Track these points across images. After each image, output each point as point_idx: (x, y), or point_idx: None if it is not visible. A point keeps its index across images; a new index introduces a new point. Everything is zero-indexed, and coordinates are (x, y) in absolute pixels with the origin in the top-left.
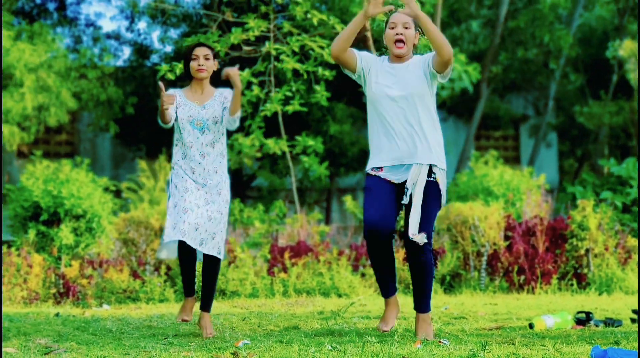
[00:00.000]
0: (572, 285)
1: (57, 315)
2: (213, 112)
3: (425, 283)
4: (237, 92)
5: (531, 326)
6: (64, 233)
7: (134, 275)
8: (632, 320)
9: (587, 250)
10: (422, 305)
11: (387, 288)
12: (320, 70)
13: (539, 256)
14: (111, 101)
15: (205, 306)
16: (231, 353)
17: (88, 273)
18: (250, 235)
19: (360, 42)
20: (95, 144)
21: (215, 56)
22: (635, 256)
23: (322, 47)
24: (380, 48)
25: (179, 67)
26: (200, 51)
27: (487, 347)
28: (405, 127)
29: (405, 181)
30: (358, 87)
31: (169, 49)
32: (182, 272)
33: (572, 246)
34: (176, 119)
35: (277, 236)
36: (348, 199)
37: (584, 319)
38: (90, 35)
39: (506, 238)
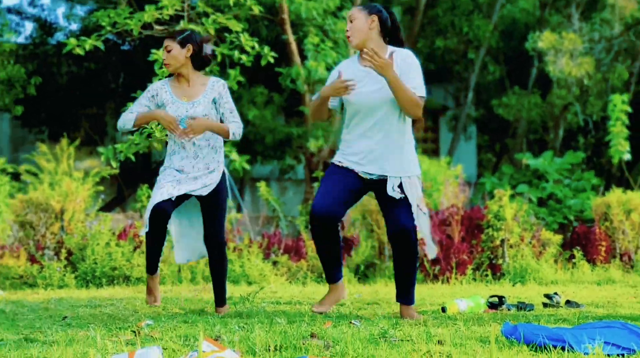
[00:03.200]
0: (486, 275)
1: None
2: (203, 109)
3: (412, 272)
4: (211, 127)
5: (444, 310)
6: None
7: (32, 259)
8: (544, 305)
9: (503, 241)
10: (408, 296)
11: (331, 274)
12: (236, 54)
13: (454, 246)
14: (12, 80)
15: (221, 302)
16: (132, 331)
17: None
18: None
19: (277, 26)
20: None
21: (185, 40)
22: (550, 249)
23: (237, 33)
24: (299, 32)
25: (89, 42)
26: (164, 45)
27: (398, 326)
28: (381, 129)
29: (372, 180)
30: (279, 74)
31: (75, 26)
32: (148, 245)
33: (488, 236)
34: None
35: None
36: (262, 186)
37: (496, 303)
38: None
39: None
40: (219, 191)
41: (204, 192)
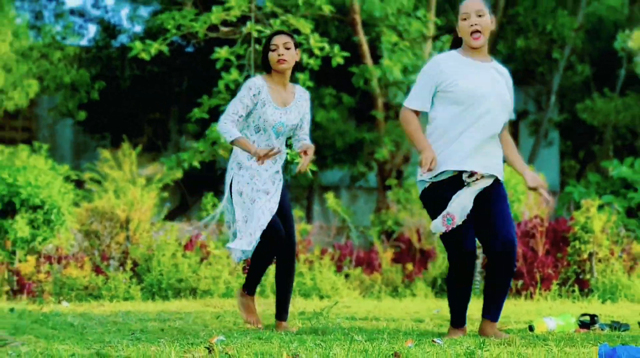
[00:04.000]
0: (573, 291)
1: (11, 310)
2: (294, 119)
3: (506, 288)
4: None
5: (531, 328)
6: (19, 225)
7: (97, 270)
8: None
9: (591, 254)
10: (496, 312)
11: (464, 316)
12: (305, 58)
13: (538, 259)
14: (75, 85)
15: (281, 316)
16: (205, 347)
17: (45, 269)
18: (225, 232)
19: (348, 26)
20: (55, 131)
21: (297, 45)
22: None
23: (305, 32)
24: (371, 33)
25: (154, 46)
26: (280, 40)
27: (484, 346)
28: (492, 132)
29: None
30: (346, 72)
31: (138, 28)
32: (260, 263)
33: (575, 249)
34: (249, 115)
35: None
36: (330, 197)
37: (588, 322)
38: (53, 11)
39: None
40: (285, 189)
41: (276, 201)
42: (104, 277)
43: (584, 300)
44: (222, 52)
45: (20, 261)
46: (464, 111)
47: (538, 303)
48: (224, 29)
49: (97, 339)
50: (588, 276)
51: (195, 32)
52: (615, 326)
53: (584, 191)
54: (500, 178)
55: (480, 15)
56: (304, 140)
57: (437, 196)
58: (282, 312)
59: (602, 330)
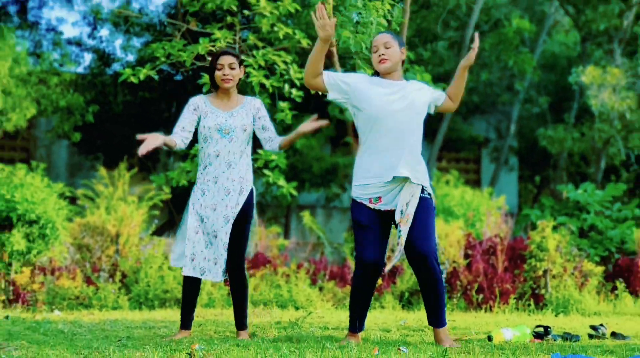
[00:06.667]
0: (529, 305)
1: (6, 317)
2: (241, 120)
3: (437, 295)
4: (297, 136)
5: (490, 338)
6: (16, 239)
7: (87, 281)
8: (590, 336)
9: (545, 271)
10: (437, 319)
11: (361, 323)
12: (287, 87)
13: (497, 275)
14: (71, 109)
15: (241, 326)
16: (187, 353)
17: (39, 280)
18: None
19: (326, 59)
20: (52, 151)
21: (241, 63)
22: (592, 281)
23: (286, 63)
24: (345, 65)
25: (143, 72)
26: (225, 60)
27: (446, 354)
28: (400, 142)
29: (393, 210)
30: (327, 103)
31: (131, 57)
32: (183, 301)
33: (531, 266)
34: (199, 130)
35: None
36: (306, 215)
37: (542, 333)
38: (51, 40)
39: (466, 256)
40: (246, 213)
41: (233, 215)
42: (94, 288)
43: (538, 313)
44: (208, 78)
45: (16, 272)
46: (377, 133)
47: (497, 316)
48: (210, 58)
49: (86, 345)
50: (543, 291)
51: (183, 61)
52: (567, 337)
53: (540, 213)
54: (410, 186)
55: (387, 48)
56: (277, 138)
57: (362, 216)
58: (238, 324)
59: (554, 340)
